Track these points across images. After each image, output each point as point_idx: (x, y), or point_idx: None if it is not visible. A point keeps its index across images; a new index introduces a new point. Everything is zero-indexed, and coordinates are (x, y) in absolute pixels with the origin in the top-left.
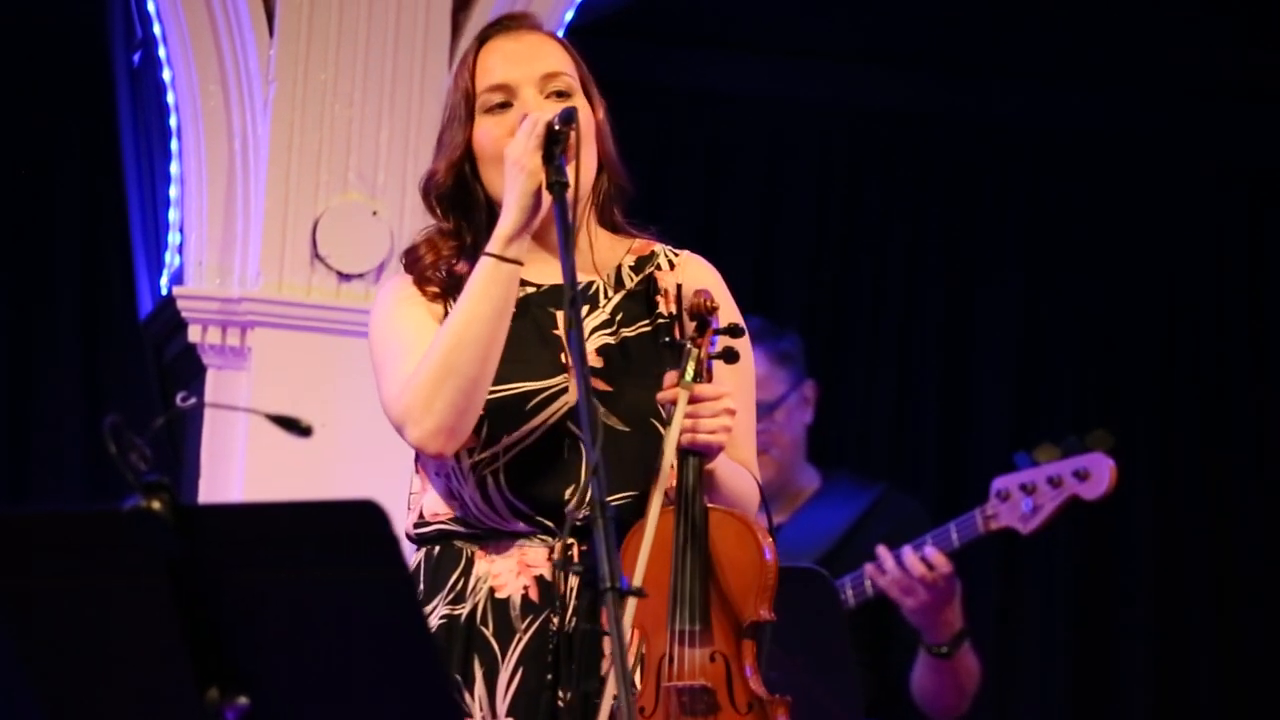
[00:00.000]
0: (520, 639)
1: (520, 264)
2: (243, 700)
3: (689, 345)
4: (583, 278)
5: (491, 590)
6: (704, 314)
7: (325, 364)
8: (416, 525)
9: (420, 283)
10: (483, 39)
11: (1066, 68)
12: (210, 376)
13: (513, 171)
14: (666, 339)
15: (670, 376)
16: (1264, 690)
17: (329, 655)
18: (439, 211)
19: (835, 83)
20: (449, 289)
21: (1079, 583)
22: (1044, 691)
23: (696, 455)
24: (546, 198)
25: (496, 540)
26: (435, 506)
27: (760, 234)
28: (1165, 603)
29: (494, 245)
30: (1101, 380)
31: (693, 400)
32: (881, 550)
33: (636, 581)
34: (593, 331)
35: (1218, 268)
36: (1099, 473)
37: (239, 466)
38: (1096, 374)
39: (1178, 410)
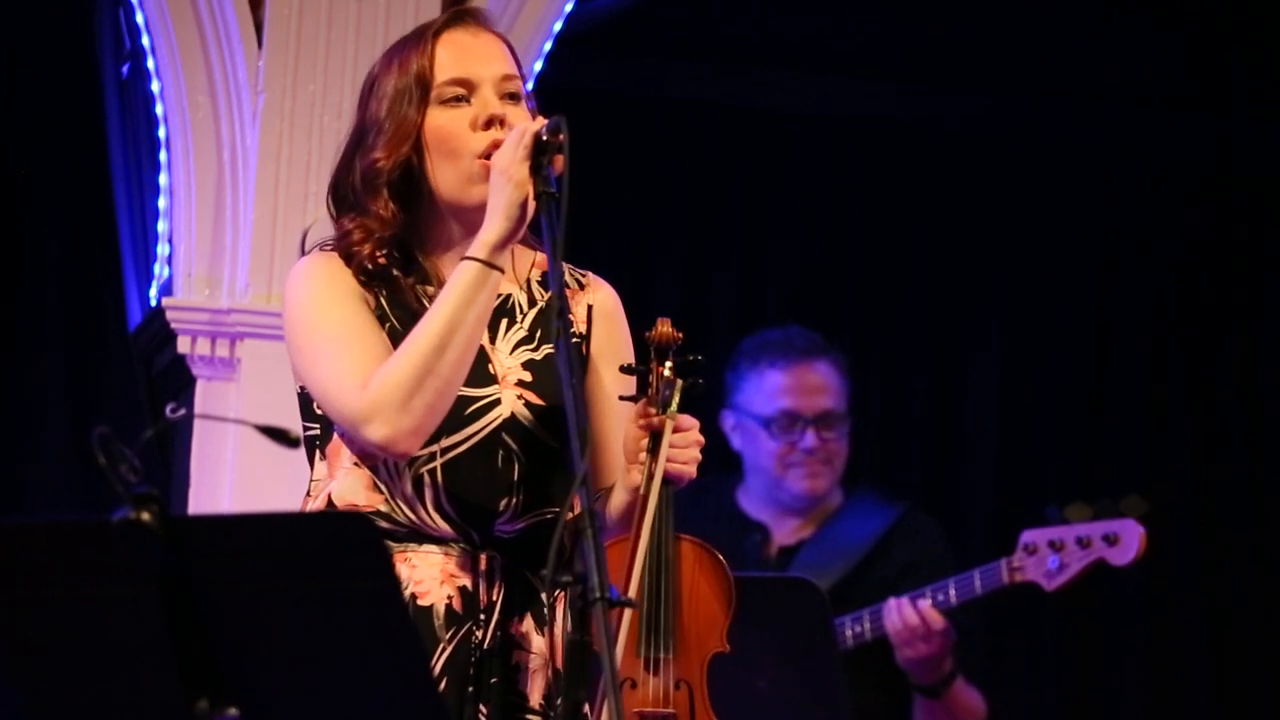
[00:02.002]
0: (444, 650)
1: (503, 271)
2: (232, 711)
3: (671, 375)
4: (504, 290)
5: (414, 596)
6: (671, 343)
7: None
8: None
9: (350, 266)
10: (438, 30)
11: (1056, 80)
12: (199, 388)
13: (499, 181)
14: (626, 365)
15: (644, 405)
16: None
17: (318, 665)
18: (384, 198)
19: (822, 94)
20: (376, 277)
21: (1068, 641)
22: None
23: (669, 484)
24: (532, 207)
25: (417, 543)
26: (350, 497)
27: (747, 246)
28: (1158, 662)
29: (480, 251)
30: (1090, 393)
31: (673, 430)
32: (891, 604)
33: (628, 612)
34: (516, 346)
35: (1210, 292)
36: (1129, 539)
37: (228, 477)
38: (1083, 387)
39: (1169, 431)
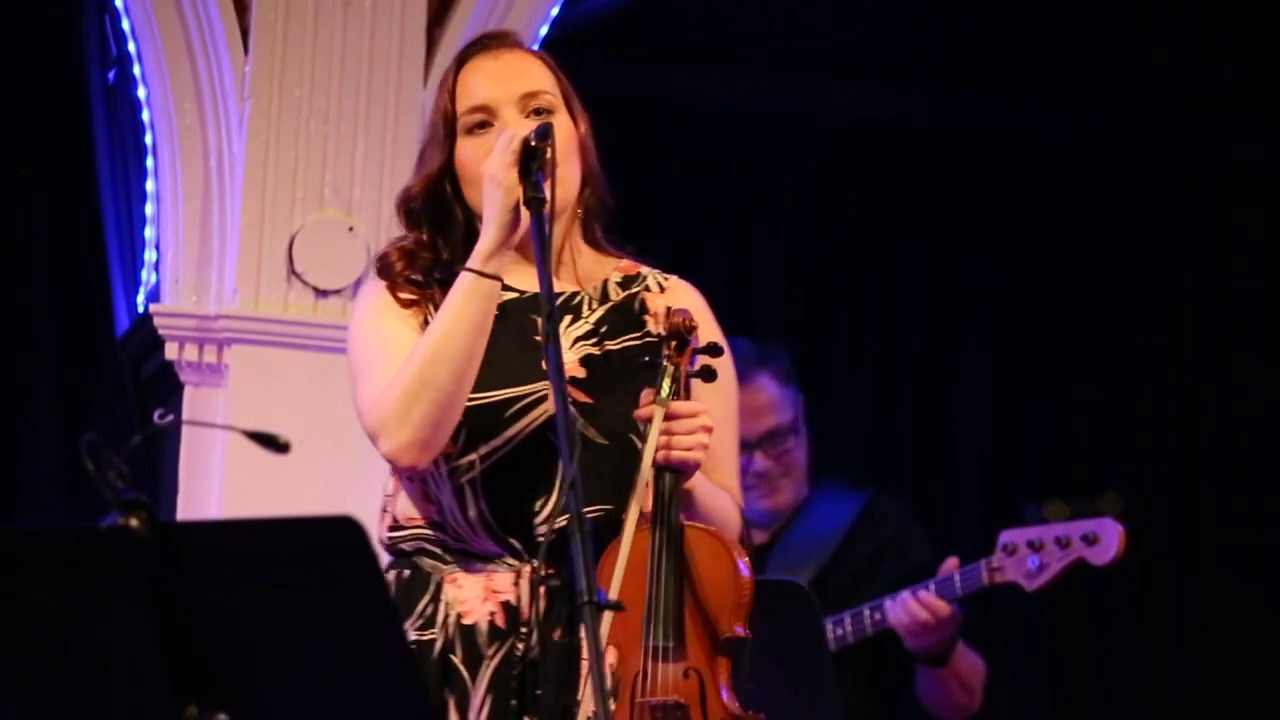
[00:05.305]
0: (488, 665)
1: (499, 280)
2: (222, 716)
3: (665, 363)
4: (567, 288)
5: (459, 616)
6: (682, 332)
7: (302, 380)
8: (392, 530)
9: (394, 289)
10: (462, 59)
11: (1046, 79)
12: (187, 393)
13: (490, 188)
14: (646, 358)
15: (646, 394)
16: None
17: (308, 670)
18: (413, 226)
19: (811, 96)
20: (423, 298)
21: (1058, 640)
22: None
23: (673, 472)
24: (525, 213)
25: (465, 562)
26: (409, 510)
27: (736, 248)
28: (1148, 661)
29: (473, 261)
30: (1079, 395)
31: (669, 417)
32: (900, 599)
33: (612, 597)
34: (576, 341)
35: (1193, 294)
36: (1108, 539)
37: (217, 483)
38: (1072, 389)
39: (1157, 427)
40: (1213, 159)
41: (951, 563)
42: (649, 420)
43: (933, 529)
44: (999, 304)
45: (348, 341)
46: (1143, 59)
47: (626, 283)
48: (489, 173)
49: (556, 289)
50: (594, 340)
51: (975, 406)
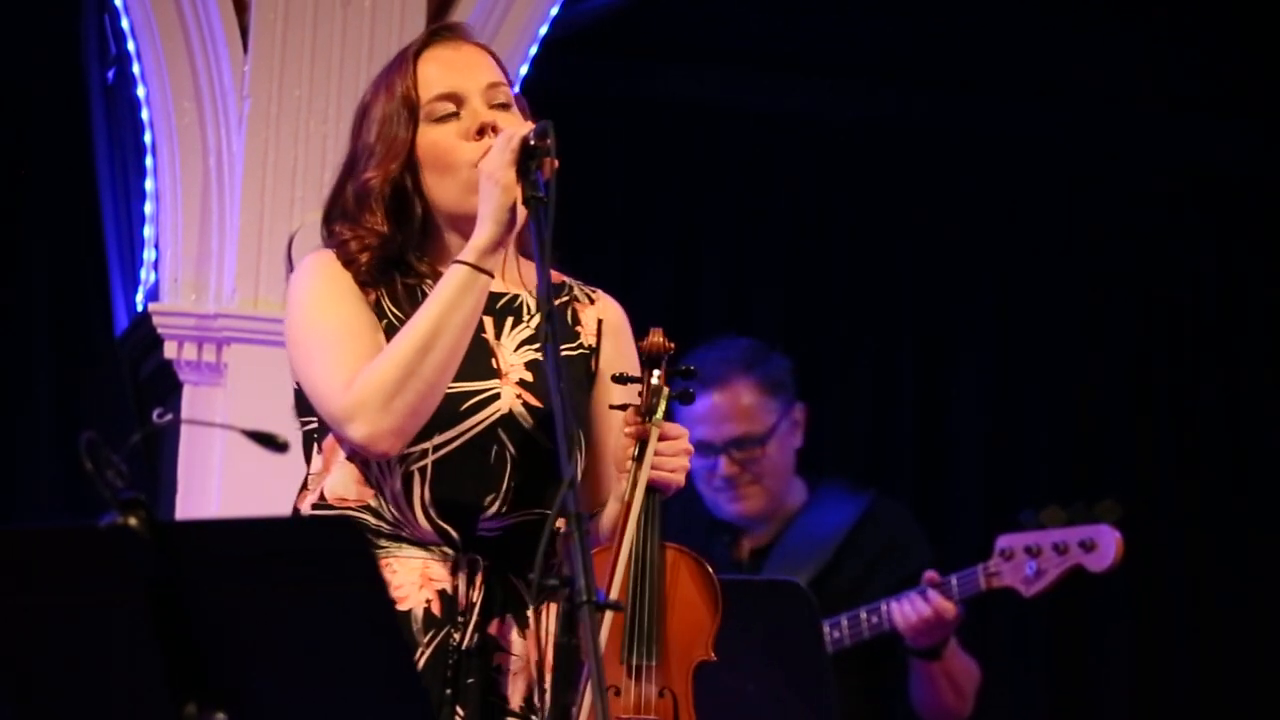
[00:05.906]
0: (422, 653)
1: (492, 276)
2: (220, 715)
3: (658, 384)
4: (510, 289)
5: (393, 602)
6: (663, 353)
7: None
8: (317, 507)
9: (349, 270)
10: (419, 49)
11: (1044, 83)
12: (186, 392)
13: (487, 186)
14: (619, 374)
15: (630, 414)
16: None
17: (306, 669)
18: (377, 214)
19: (811, 96)
20: (379, 280)
21: (1054, 644)
22: None
23: (656, 491)
24: (521, 212)
25: (398, 546)
26: (342, 491)
27: (736, 248)
28: (1144, 665)
29: (470, 255)
30: (1076, 393)
31: (660, 438)
32: (895, 603)
33: (611, 618)
34: (521, 345)
35: (1193, 289)
36: (1105, 546)
37: (215, 482)
38: (1071, 391)
39: (1156, 431)
40: (1213, 159)
41: (930, 576)
42: (641, 438)
43: (932, 530)
44: (999, 304)
45: (294, 314)
46: (1143, 59)
47: (555, 291)
48: (486, 170)
49: (498, 289)
50: (537, 345)
51: (975, 407)
